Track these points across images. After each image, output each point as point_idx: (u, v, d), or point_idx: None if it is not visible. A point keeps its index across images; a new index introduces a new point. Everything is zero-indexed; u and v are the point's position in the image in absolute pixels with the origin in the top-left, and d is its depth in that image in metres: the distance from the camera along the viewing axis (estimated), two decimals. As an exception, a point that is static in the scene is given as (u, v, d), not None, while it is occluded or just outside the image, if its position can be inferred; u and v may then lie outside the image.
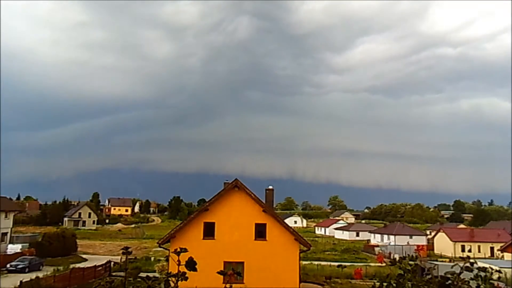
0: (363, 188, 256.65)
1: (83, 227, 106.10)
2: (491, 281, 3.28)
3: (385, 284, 3.44)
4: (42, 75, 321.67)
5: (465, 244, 70.57)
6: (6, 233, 53.34)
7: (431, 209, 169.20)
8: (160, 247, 28.55)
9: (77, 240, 57.53)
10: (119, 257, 45.18)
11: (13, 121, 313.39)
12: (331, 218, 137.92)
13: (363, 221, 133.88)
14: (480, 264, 3.59)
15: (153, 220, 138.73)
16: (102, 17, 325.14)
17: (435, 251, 72.59)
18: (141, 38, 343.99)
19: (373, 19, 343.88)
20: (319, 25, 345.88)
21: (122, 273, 33.36)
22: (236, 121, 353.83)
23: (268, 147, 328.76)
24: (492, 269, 3.40)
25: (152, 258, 48.02)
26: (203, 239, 26.89)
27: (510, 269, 28.07)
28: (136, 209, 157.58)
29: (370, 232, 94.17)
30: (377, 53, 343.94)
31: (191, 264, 2.86)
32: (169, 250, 24.91)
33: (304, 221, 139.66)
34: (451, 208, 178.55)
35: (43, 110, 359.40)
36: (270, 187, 32.42)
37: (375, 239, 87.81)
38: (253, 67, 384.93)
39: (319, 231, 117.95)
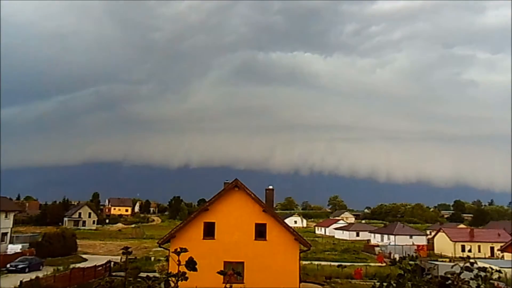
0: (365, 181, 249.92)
1: (83, 227, 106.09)
2: (491, 281, 3.28)
3: (385, 284, 3.44)
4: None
5: (465, 244, 70.52)
6: (6, 233, 53.31)
7: (431, 209, 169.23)
8: (160, 247, 28.57)
9: (77, 240, 57.54)
10: (119, 257, 45.08)
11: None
12: (331, 218, 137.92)
13: (363, 221, 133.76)
14: (480, 264, 3.59)
15: (153, 220, 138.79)
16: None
17: (435, 251, 72.53)
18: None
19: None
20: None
21: (122, 273, 33.21)
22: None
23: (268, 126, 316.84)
24: (492, 269, 3.40)
25: (152, 258, 47.99)
26: (203, 239, 26.89)
27: (510, 269, 28.08)
28: (136, 209, 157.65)
29: (370, 232, 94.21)
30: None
31: (191, 264, 2.87)
32: (169, 250, 24.93)
33: (304, 221, 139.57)
34: (451, 208, 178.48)
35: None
36: (270, 187, 32.39)
37: (375, 239, 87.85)
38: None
39: (319, 231, 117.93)
